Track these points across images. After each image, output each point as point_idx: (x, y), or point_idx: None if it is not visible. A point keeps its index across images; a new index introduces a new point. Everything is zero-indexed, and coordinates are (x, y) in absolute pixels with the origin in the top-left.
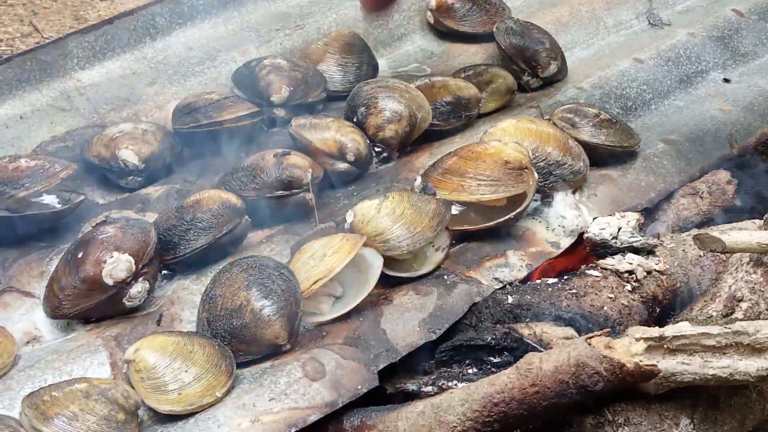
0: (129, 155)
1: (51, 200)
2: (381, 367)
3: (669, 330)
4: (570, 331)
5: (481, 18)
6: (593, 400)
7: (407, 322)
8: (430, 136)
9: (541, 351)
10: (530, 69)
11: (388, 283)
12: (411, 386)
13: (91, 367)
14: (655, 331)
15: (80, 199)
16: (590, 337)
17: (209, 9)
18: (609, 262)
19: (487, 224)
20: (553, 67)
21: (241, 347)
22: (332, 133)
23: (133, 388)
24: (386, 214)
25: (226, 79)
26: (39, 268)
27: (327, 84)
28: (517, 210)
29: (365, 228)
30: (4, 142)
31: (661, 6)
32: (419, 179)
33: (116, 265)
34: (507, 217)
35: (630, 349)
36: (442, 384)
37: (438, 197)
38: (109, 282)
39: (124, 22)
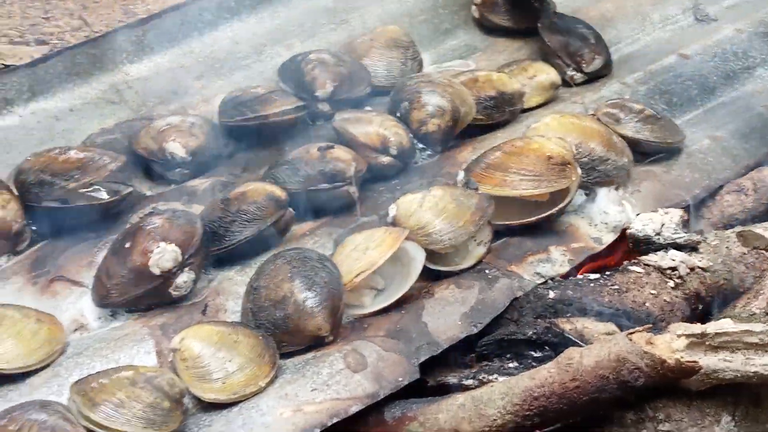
0: (176, 148)
1: (100, 192)
2: (422, 359)
3: (711, 327)
4: (611, 327)
5: (525, 13)
6: (634, 395)
7: (448, 315)
8: (474, 131)
9: (582, 346)
10: (575, 64)
11: (429, 276)
12: (452, 379)
13: (137, 355)
14: (697, 328)
15: (128, 190)
16: (631, 333)
17: (256, 4)
18: (652, 258)
19: (529, 219)
20: (597, 62)
21: (284, 338)
22: (375, 127)
23: (178, 376)
24: (429, 208)
25: (272, 73)
26: (88, 258)
27: (371, 79)
28: (560, 205)
29: (408, 222)
30: (54, 134)
31: (708, 1)
32: (462, 174)
33: (163, 255)
34: (550, 212)
35: (671, 345)
36: (483, 377)
37: (480, 192)
38: (156, 271)
39: (171, 17)
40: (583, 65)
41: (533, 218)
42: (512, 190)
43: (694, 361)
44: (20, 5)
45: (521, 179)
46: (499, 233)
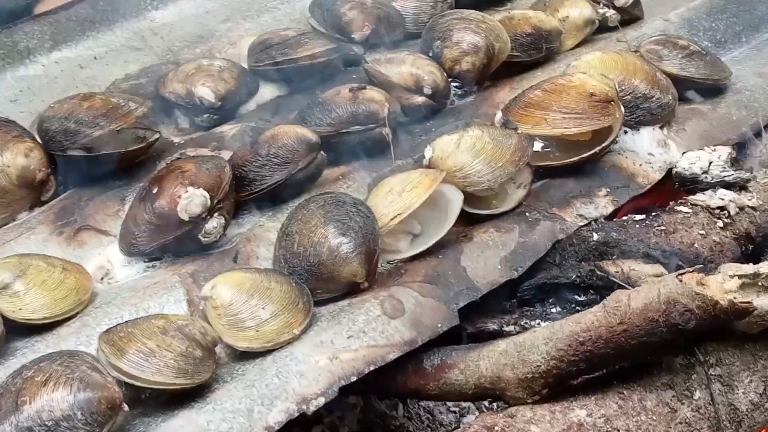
0: (205, 93)
1: (126, 139)
2: (461, 305)
3: (764, 267)
4: (659, 269)
5: None
6: (684, 339)
7: (488, 259)
8: (511, 70)
9: (628, 289)
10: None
11: (467, 220)
12: (492, 326)
13: (167, 304)
14: (749, 268)
15: (155, 137)
16: (681, 274)
17: None
18: (699, 197)
19: (571, 159)
20: None
21: (318, 285)
22: (408, 66)
23: (210, 324)
24: (466, 149)
25: (300, 15)
26: (114, 207)
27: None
28: (603, 144)
29: (444, 163)
30: (78, 81)
31: None
32: (500, 113)
33: (191, 200)
34: (592, 151)
35: (723, 286)
36: (525, 323)
37: (520, 131)
38: (185, 217)
39: None
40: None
41: (575, 158)
42: (553, 128)
43: (748, 302)
44: None
45: (563, 117)
46: (538, 174)
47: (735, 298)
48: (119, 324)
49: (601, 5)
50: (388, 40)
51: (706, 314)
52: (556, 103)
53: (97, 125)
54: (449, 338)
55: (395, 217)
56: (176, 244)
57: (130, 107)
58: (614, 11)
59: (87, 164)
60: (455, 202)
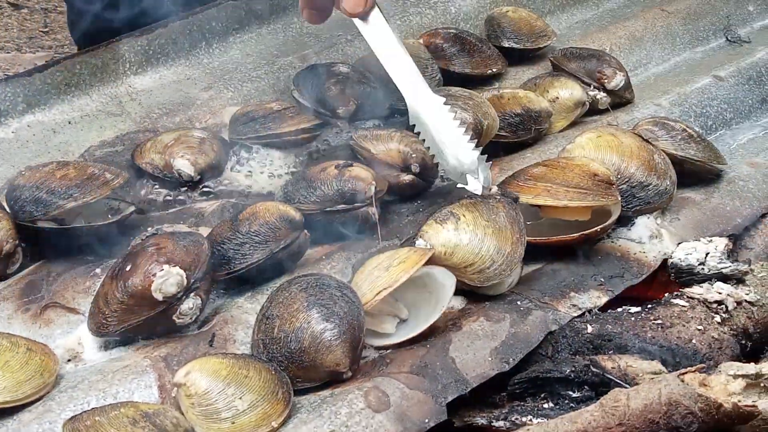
0: (184, 165)
1: (100, 210)
2: (450, 399)
3: (766, 367)
4: (658, 366)
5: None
6: None
7: (478, 350)
8: (499, 150)
9: (625, 387)
10: (596, 82)
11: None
12: (481, 420)
13: (137, 390)
14: (750, 368)
15: (130, 210)
16: (683, 373)
17: (268, 14)
18: (696, 291)
19: (571, 235)
20: (619, 78)
21: (299, 373)
22: (395, 143)
23: (182, 414)
24: (469, 240)
25: (284, 85)
26: (85, 283)
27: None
28: (606, 223)
29: (450, 260)
30: (51, 146)
31: (739, 23)
32: (495, 188)
33: (166, 279)
34: (592, 229)
35: (727, 387)
36: (516, 419)
37: (521, 201)
38: (159, 297)
39: (179, 26)
40: (605, 81)
41: (576, 234)
42: (556, 199)
43: (753, 406)
44: (17, 18)
45: (566, 190)
46: (530, 259)
47: (739, 401)
48: (85, 411)
49: (592, 87)
50: (375, 116)
51: (709, 417)
52: (559, 177)
53: (70, 196)
54: (437, 430)
55: (380, 292)
56: (149, 326)
57: (106, 178)
58: (605, 94)
59: (57, 237)
60: (447, 286)
